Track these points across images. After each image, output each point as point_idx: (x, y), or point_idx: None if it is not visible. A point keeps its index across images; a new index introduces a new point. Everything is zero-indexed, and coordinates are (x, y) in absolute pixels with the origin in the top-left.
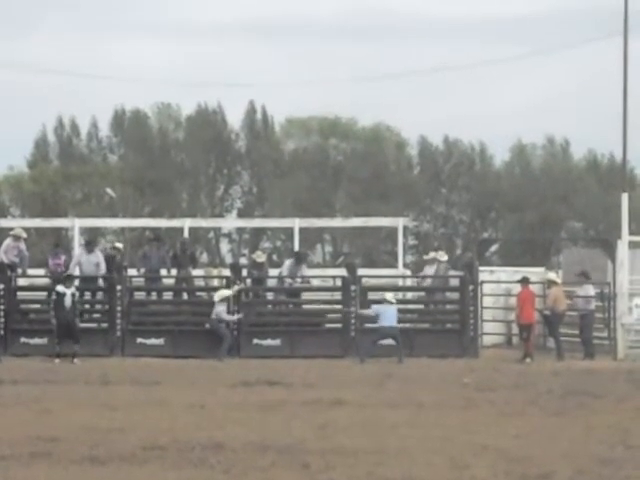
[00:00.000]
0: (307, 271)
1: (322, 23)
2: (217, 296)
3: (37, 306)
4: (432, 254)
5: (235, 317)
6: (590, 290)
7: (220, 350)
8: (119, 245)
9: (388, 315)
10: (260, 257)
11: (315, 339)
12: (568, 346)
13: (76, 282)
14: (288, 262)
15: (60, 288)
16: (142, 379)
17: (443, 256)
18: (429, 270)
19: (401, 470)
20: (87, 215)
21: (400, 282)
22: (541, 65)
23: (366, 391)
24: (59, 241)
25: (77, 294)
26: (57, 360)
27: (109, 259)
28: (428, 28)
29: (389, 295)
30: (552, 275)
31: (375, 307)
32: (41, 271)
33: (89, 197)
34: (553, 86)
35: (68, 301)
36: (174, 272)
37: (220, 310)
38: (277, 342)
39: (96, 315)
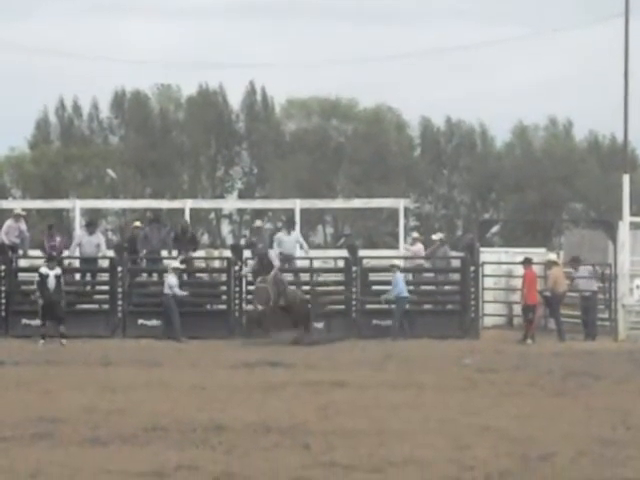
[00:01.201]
0: (300, 237)
1: (324, 4)
2: (170, 268)
3: (35, 285)
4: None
5: (185, 293)
6: (588, 272)
7: (174, 330)
8: (138, 223)
9: (401, 284)
10: (257, 223)
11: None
12: (569, 327)
13: (77, 263)
14: (278, 236)
15: (43, 270)
16: (143, 360)
17: (438, 235)
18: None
19: (402, 451)
20: (88, 196)
21: (401, 263)
22: (543, 46)
23: (367, 372)
24: (59, 222)
25: (62, 275)
26: (41, 341)
27: (132, 240)
28: (430, 8)
29: (397, 261)
30: (552, 256)
31: (392, 284)
32: (38, 252)
33: (90, 178)
34: (555, 67)
35: (52, 282)
36: (175, 253)
37: (173, 283)
38: None
39: (97, 296)
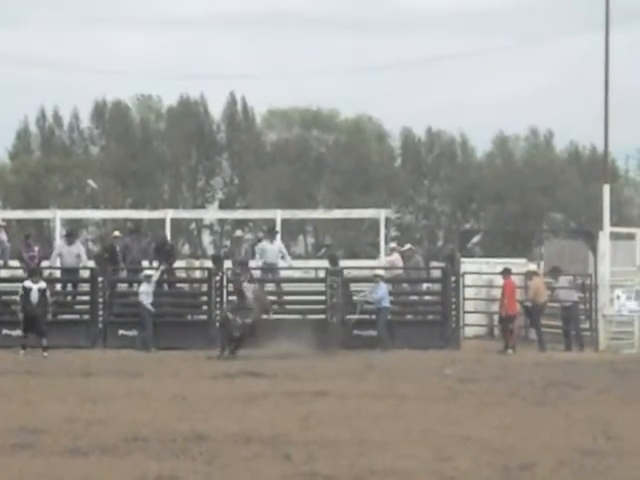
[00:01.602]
0: (283, 247)
1: (304, 14)
2: (142, 276)
3: (18, 297)
4: (393, 245)
5: (152, 309)
6: (569, 282)
7: (144, 340)
8: (117, 233)
9: (383, 294)
10: (237, 233)
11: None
12: (549, 337)
13: (57, 273)
14: (261, 245)
15: (27, 283)
16: (124, 371)
17: (407, 246)
18: (407, 263)
19: (384, 461)
20: (69, 206)
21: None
22: (524, 57)
23: (348, 382)
24: (40, 232)
25: (46, 288)
26: (22, 352)
27: (112, 249)
28: (411, 19)
29: (380, 271)
30: (533, 266)
31: (373, 287)
32: (16, 263)
33: (71, 188)
34: (536, 78)
35: (34, 296)
36: (155, 264)
37: (143, 292)
38: None
39: (78, 307)
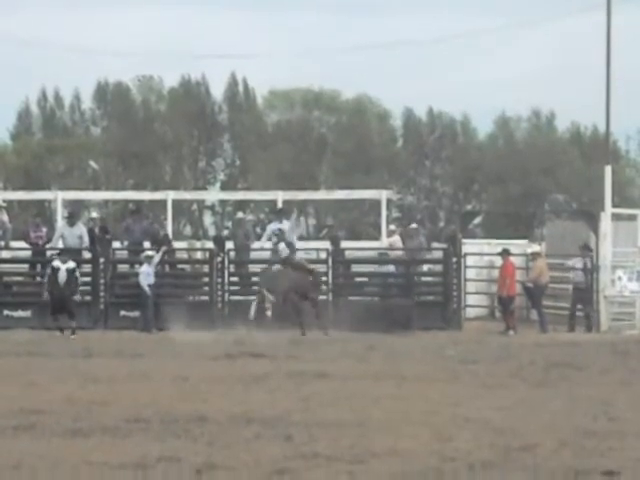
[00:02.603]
0: (293, 226)
1: None
2: (143, 257)
3: (20, 279)
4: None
5: (148, 292)
6: (580, 262)
7: (145, 321)
8: (94, 215)
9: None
10: (239, 214)
11: None
12: (551, 318)
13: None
14: (270, 226)
15: (56, 263)
16: (125, 352)
17: (412, 225)
18: (410, 243)
19: (385, 443)
20: (70, 188)
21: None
22: (525, 37)
23: (350, 364)
24: (42, 214)
25: (75, 268)
26: (58, 333)
27: (91, 232)
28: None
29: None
30: (537, 247)
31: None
32: (23, 244)
33: (72, 170)
34: (538, 59)
35: (62, 276)
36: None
37: (143, 273)
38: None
39: (79, 288)
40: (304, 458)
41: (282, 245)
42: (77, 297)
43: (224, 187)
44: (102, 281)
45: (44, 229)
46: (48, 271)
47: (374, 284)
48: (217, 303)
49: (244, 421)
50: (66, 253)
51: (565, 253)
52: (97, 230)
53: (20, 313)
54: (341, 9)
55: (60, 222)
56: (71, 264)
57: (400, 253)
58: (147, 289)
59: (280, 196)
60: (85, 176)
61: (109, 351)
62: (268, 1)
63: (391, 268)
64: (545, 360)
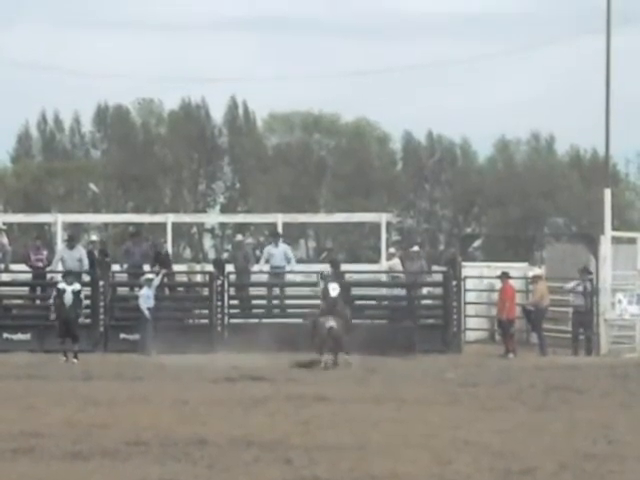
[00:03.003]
0: (289, 250)
1: (304, 19)
2: (143, 280)
3: (20, 302)
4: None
5: (148, 316)
6: (579, 286)
7: (143, 344)
8: (94, 238)
9: None
10: (238, 237)
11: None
12: (551, 342)
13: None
14: (267, 249)
15: (61, 285)
16: (125, 375)
17: (414, 247)
18: (410, 266)
19: (384, 466)
20: (70, 210)
21: (383, 278)
22: (525, 61)
23: (349, 387)
24: (41, 236)
25: (81, 290)
26: (63, 358)
27: (90, 254)
28: (412, 25)
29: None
30: (538, 270)
31: None
32: (23, 266)
33: (72, 192)
34: (537, 82)
35: (69, 298)
36: (156, 268)
37: (143, 296)
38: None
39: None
40: None
41: (333, 285)
42: (81, 319)
43: (224, 210)
44: (102, 304)
45: (44, 252)
46: (54, 293)
47: (375, 307)
48: (217, 326)
49: (244, 444)
50: (71, 275)
51: (565, 276)
52: (96, 253)
53: (20, 336)
54: (341, 34)
55: (60, 245)
56: (77, 286)
57: (401, 276)
58: (147, 312)
59: (280, 219)
60: (85, 199)
61: (109, 374)
62: (269, 25)
63: (397, 291)
64: (545, 383)
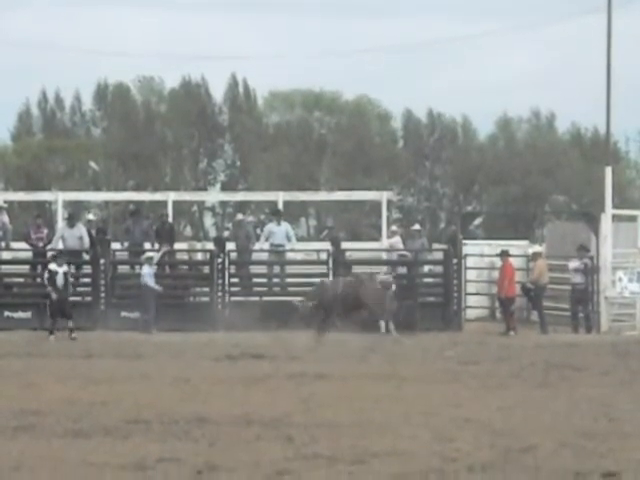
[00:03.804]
0: (290, 228)
1: None
2: (143, 258)
3: (20, 280)
4: (393, 228)
5: (159, 288)
6: (577, 263)
7: (146, 322)
8: (91, 217)
9: None
10: (239, 216)
11: None
12: (552, 319)
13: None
14: (268, 227)
15: (52, 266)
16: (125, 353)
17: (415, 225)
18: (412, 244)
19: (385, 443)
20: (71, 189)
21: (384, 255)
22: (526, 39)
23: (350, 365)
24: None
25: (70, 271)
26: (52, 337)
27: (88, 233)
28: (413, 2)
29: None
30: (537, 248)
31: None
32: (23, 244)
33: (73, 171)
34: (538, 60)
35: (60, 279)
36: (156, 246)
37: (147, 274)
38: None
39: (80, 289)
40: (304, 459)
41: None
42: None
43: (224, 188)
44: (102, 282)
45: (45, 230)
46: (46, 275)
47: None
48: (218, 304)
49: (244, 422)
50: (62, 256)
51: (566, 254)
52: (94, 232)
53: (20, 314)
54: (342, 12)
55: (60, 223)
56: (66, 267)
57: (404, 253)
58: (157, 287)
59: (280, 197)
60: (85, 177)
61: (109, 352)
62: (268, 3)
63: (402, 270)
64: (545, 361)
